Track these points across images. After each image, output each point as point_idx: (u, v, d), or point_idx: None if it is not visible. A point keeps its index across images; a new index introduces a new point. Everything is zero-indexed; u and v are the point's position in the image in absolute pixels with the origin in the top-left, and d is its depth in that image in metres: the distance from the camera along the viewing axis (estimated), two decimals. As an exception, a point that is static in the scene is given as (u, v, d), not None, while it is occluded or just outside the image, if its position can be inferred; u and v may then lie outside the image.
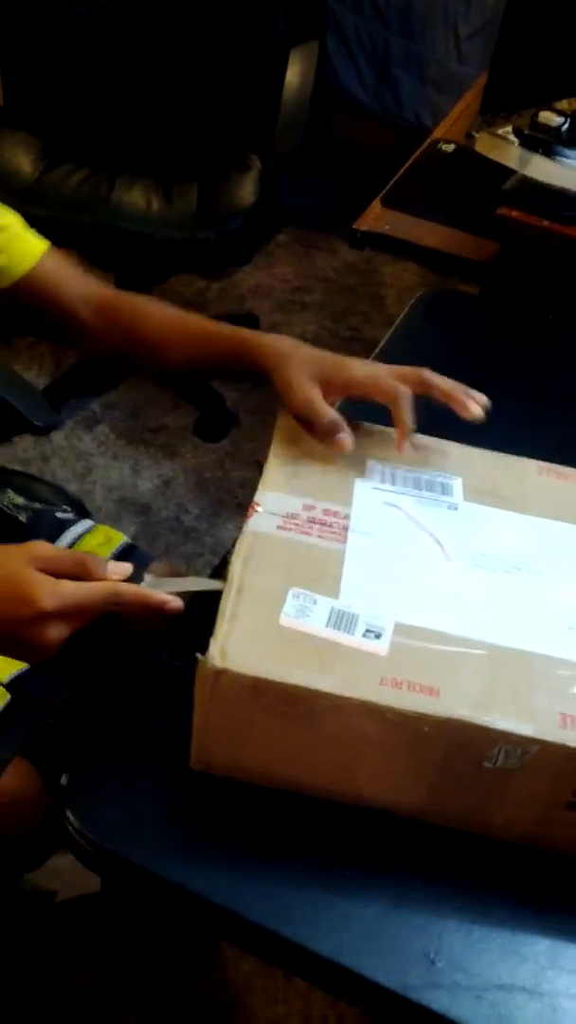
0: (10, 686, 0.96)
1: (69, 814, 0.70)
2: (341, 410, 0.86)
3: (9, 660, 0.98)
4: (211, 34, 1.92)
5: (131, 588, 0.71)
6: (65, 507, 1.15)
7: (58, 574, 0.70)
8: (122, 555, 1.06)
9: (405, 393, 0.85)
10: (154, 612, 0.72)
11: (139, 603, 0.71)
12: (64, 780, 0.73)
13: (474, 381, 1.13)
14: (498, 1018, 0.65)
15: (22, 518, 1.09)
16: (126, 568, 0.72)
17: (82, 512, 1.18)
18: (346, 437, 0.83)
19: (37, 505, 1.12)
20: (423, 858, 0.72)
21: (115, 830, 0.71)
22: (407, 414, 0.85)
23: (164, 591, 0.72)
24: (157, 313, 0.97)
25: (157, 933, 1.28)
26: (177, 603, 0.72)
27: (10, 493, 1.13)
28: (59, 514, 1.11)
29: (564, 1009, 0.66)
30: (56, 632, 0.69)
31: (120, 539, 1.08)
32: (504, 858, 0.72)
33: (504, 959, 0.68)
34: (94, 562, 0.71)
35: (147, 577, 0.73)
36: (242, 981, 1.27)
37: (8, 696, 0.95)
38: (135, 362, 1.02)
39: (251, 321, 2.26)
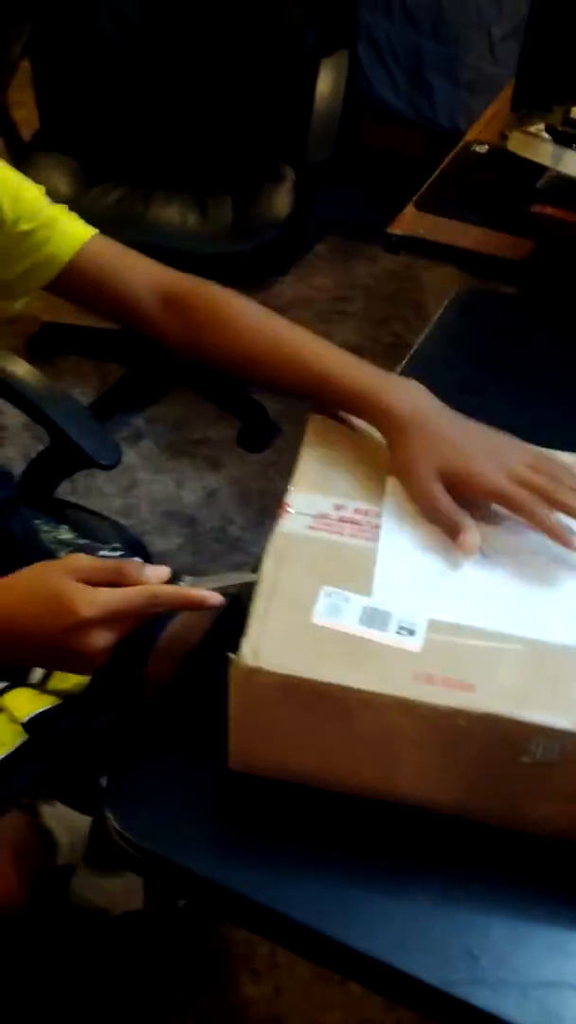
0: (29, 725, 0.95)
1: (110, 815, 0.71)
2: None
3: (33, 697, 0.98)
4: (241, 50, 1.94)
5: (170, 588, 0.72)
6: (116, 544, 1.14)
7: (96, 583, 0.71)
8: None
9: (532, 502, 0.77)
10: (196, 608, 0.72)
11: (180, 601, 0.72)
12: (103, 782, 0.74)
13: (510, 379, 1.13)
14: (545, 1015, 0.65)
15: (61, 554, 1.07)
16: (164, 572, 0.73)
17: (137, 550, 1.17)
18: (470, 538, 0.75)
19: (82, 541, 1.12)
20: (464, 855, 0.71)
21: (154, 831, 0.72)
22: (545, 520, 0.76)
23: (203, 588, 0.72)
24: (250, 321, 0.88)
25: (211, 939, 1.29)
26: (217, 597, 0.72)
27: (62, 528, 1.11)
28: (103, 552, 1.10)
29: (612, 1006, 0.65)
30: (101, 640, 0.70)
31: None
32: (547, 854, 0.71)
33: (550, 956, 0.67)
34: (131, 567, 0.72)
35: (185, 578, 0.74)
36: (298, 986, 1.27)
37: (22, 738, 0.94)
38: (215, 368, 0.91)
39: (292, 331, 2.27)
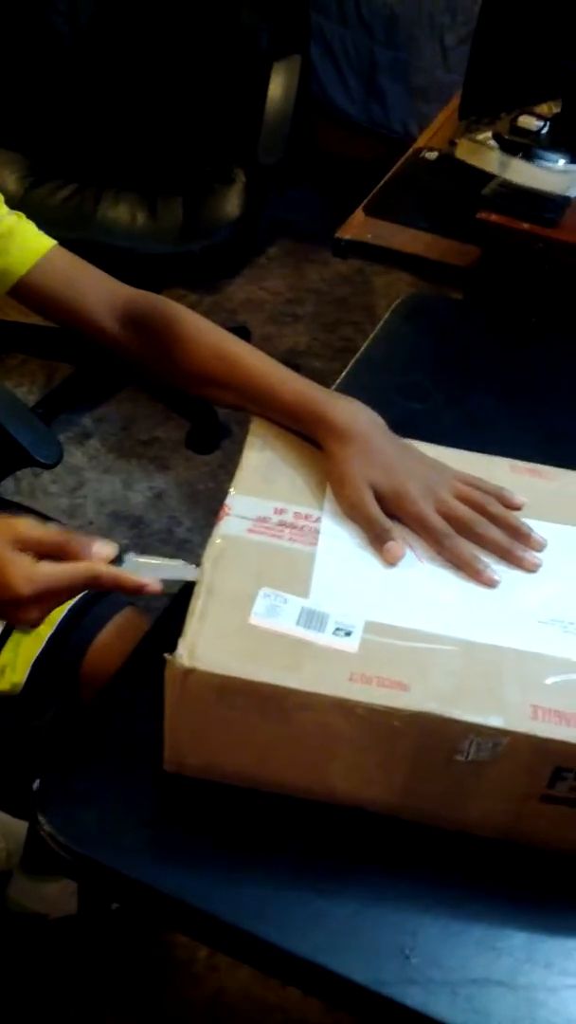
0: None
1: (42, 819, 0.70)
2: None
3: None
4: (194, 50, 1.93)
5: (109, 570, 0.71)
6: None
7: (40, 554, 0.70)
8: (85, 604, 1.02)
9: (445, 536, 0.78)
10: (133, 593, 0.72)
11: (116, 584, 0.72)
12: (36, 785, 0.73)
13: (456, 384, 1.15)
14: (474, 1013, 0.65)
15: None
16: (110, 550, 0.72)
17: None
18: (395, 547, 0.77)
19: None
20: (399, 855, 0.72)
21: (89, 834, 0.71)
22: (454, 554, 0.78)
23: (143, 574, 0.72)
24: (199, 339, 0.90)
25: (149, 943, 1.28)
26: (155, 586, 0.72)
27: None
28: None
29: (540, 1002, 0.66)
30: (32, 614, 0.71)
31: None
32: (479, 853, 0.72)
33: (480, 954, 0.68)
34: (77, 543, 0.71)
35: (127, 558, 0.73)
36: (238, 989, 1.27)
37: None
38: (174, 386, 0.94)
39: (243, 334, 2.27)
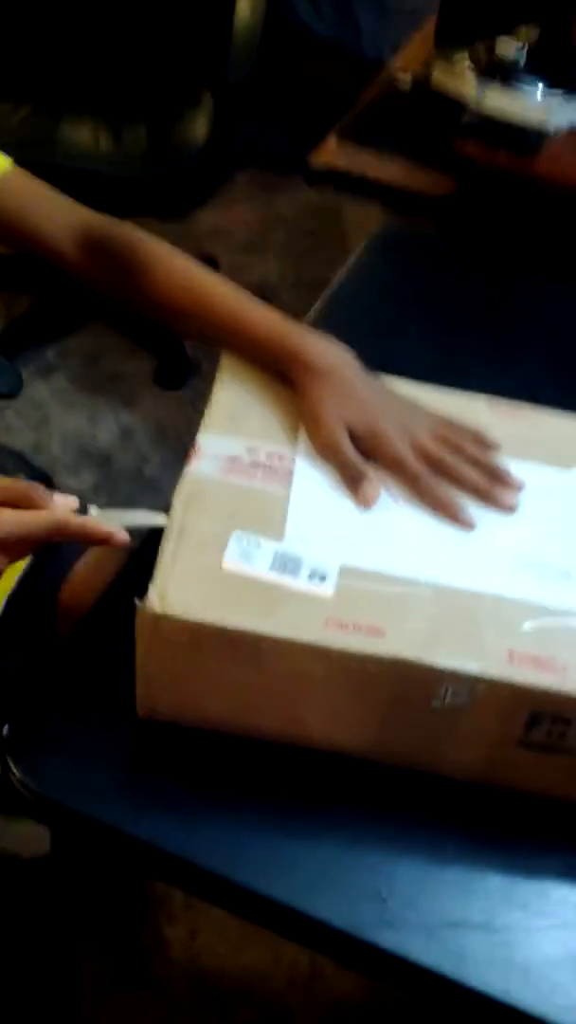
0: None
1: (11, 764, 0.69)
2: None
3: None
4: (159, -36, 1.85)
5: (77, 519, 0.69)
6: (21, 476, 1.10)
7: (1, 503, 0.67)
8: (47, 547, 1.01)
9: (422, 476, 0.77)
10: (100, 544, 0.70)
11: (85, 535, 0.69)
12: (6, 731, 0.71)
13: (430, 320, 1.12)
14: (450, 955, 0.65)
15: None
16: (72, 501, 0.70)
17: (45, 482, 1.15)
18: (370, 489, 0.75)
19: None
20: (375, 798, 0.71)
21: (60, 779, 0.70)
22: (433, 495, 0.76)
23: (111, 524, 0.69)
24: (164, 266, 0.86)
25: (124, 882, 1.29)
26: (123, 536, 0.69)
27: None
28: None
29: (517, 943, 0.66)
30: None
31: None
32: (456, 796, 0.72)
33: (456, 896, 0.68)
34: (39, 492, 0.69)
35: (92, 509, 0.71)
36: (214, 927, 1.28)
37: None
38: (138, 314, 0.90)
39: (210, 264, 2.21)
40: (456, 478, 0.78)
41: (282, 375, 0.82)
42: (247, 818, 0.70)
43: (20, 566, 0.99)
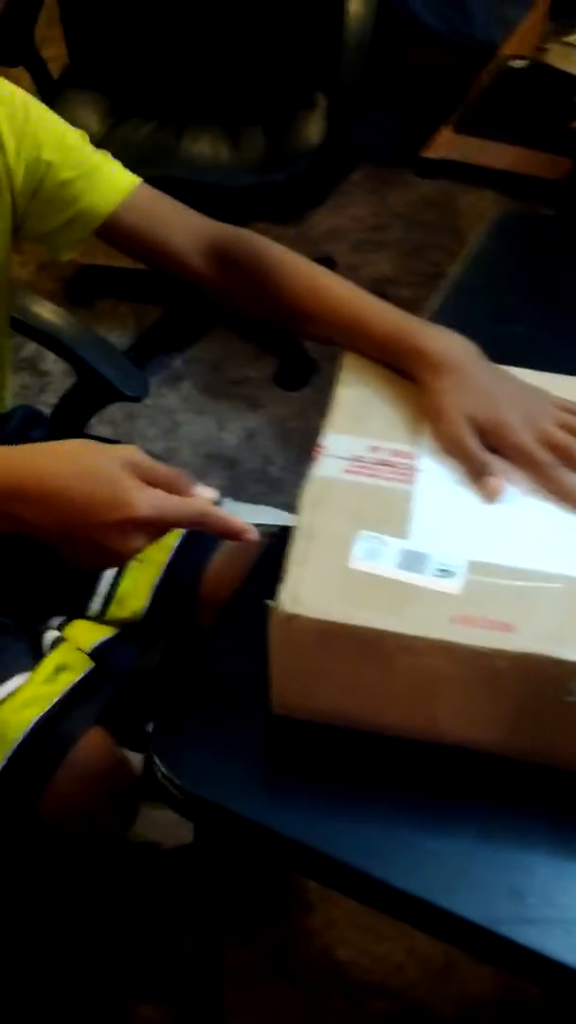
0: (93, 654, 0.98)
1: (157, 761, 0.72)
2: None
3: (93, 628, 1.00)
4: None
5: (218, 511, 0.71)
6: None
7: (151, 484, 0.70)
8: (188, 537, 1.04)
9: (548, 466, 0.76)
10: (235, 538, 0.72)
11: (223, 527, 0.71)
12: (150, 728, 0.74)
13: (552, 305, 1.10)
14: (591, 951, 0.65)
15: None
16: (212, 493, 0.73)
17: None
18: (495, 482, 0.74)
19: None
20: (509, 793, 0.71)
21: (202, 775, 0.72)
22: (559, 485, 0.75)
23: (243, 519, 0.72)
24: (289, 272, 0.88)
25: (264, 875, 1.32)
26: (254, 533, 0.71)
27: None
28: None
29: None
30: (140, 542, 0.69)
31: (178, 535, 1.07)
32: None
33: (596, 892, 0.67)
34: (185, 479, 0.71)
35: (226, 502, 0.74)
36: (348, 919, 1.30)
37: (91, 664, 0.97)
38: (264, 321, 0.93)
39: (328, 264, 2.22)
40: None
41: (405, 372, 0.83)
42: (382, 813, 0.71)
43: (165, 557, 1.03)
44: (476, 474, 0.76)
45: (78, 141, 0.93)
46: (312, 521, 0.71)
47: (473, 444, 0.77)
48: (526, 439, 0.77)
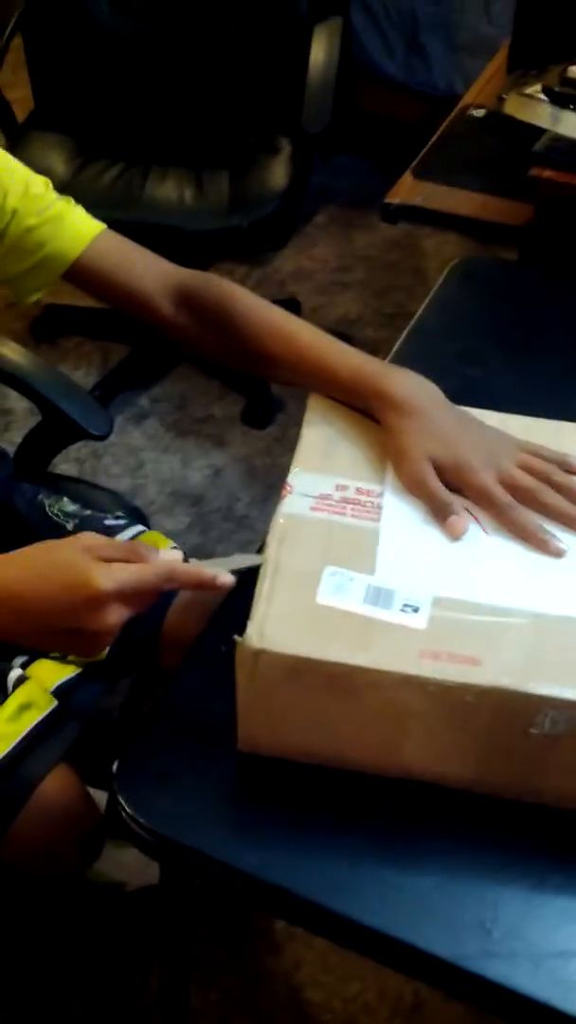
0: (57, 693, 0.97)
1: (121, 800, 0.72)
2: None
3: (56, 667, 1.00)
4: (234, 19, 1.91)
5: (185, 567, 0.72)
6: (119, 513, 1.16)
7: (110, 560, 0.70)
8: None
9: (508, 508, 0.78)
10: (208, 589, 0.72)
11: (194, 580, 0.72)
12: (115, 767, 0.74)
13: (513, 347, 1.12)
14: (558, 984, 0.65)
15: (69, 526, 1.09)
16: (176, 555, 0.74)
17: (139, 518, 1.19)
18: (459, 521, 0.76)
19: (87, 512, 1.13)
20: (476, 828, 0.72)
21: (167, 814, 0.72)
22: (519, 525, 0.77)
23: (214, 569, 0.72)
24: (255, 317, 0.90)
25: (230, 914, 1.30)
26: (229, 578, 0.72)
27: (64, 501, 1.13)
28: (108, 521, 1.11)
29: (626, 974, 0.65)
30: (114, 616, 0.69)
31: (167, 545, 1.08)
32: (558, 824, 0.72)
33: (562, 926, 0.68)
34: (144, 548, 0.72)
35: (193, 561, 0.75)
36: (317, 959, 1.28)
37: (55, 703, 0.96)
38: (230, 366, 0.95)
39: (293, 306, 2.25)
40: (543, 506, 0.78)
41: (368, 412, 0.84)
42: (349, 850, 0.71)
43: None
44: (439, 513, 0.77)
45: (42, 188, 0.94)
46: (279, 558, 0.72)
47: (435, 484, 0.78)
48: (487, 480, 0.79)
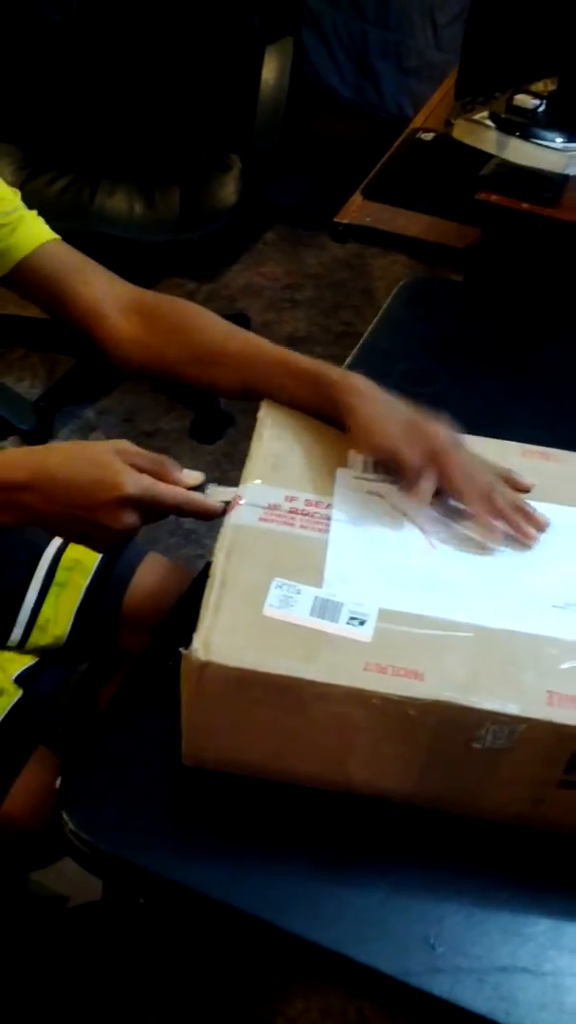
0: (19, 681, 0.98)
1: (66, 816, 0.70)
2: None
3: (15, 657, 1.01)
4: (186, 35, 1.92)
5: (197, 498, 0.78)
6: None
7: (139, 469, 0.75)
8: (109, 557, 1.07)
9: (495, 488, 0.80)
10: (212, 517, 0.79)
11: (202, 511, 0.78)
12: (58, 783, 0.73)
13: (459, 367, 1.14)
14: (501, 1000, 0.65)
15: None
16: (197, 476, 0.80)
17: None
18: (428, 485, 0.78)
19: None
20: (421, 844, 0.72)
21: (108, 829, 0.71)
22: (500, 507, 0.79)
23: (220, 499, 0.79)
24: (216, 320, 0.91)
25: (170, 933, 1.28)
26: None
27: None
28: None
29: (567, 987, 0.66)
30: (130, 518, 0.75)
31: None
32: (502, 840, 0.72)
33: (505, 941, 0.68)
34: (170, 464, 0.78)
35: (209, 487, 0.81)
36: (260, 977, 1.27)
37: (20, 692, 0.97)
38: (176, 378, 0.94)
39: (242, 320, 2.26)
40: (513, 482, 0.81)
41: (325, 404, 0.85)
42: (294, 865, 0.70)
43: (85, 580, 1.04)
44: (411, 474, 0.79)
45: (11, 196, 0.95)
46: (226, 570, 0.72)
47: (408, 448, 0.79)
48: (465, 458, 0.80)
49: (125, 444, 0.78)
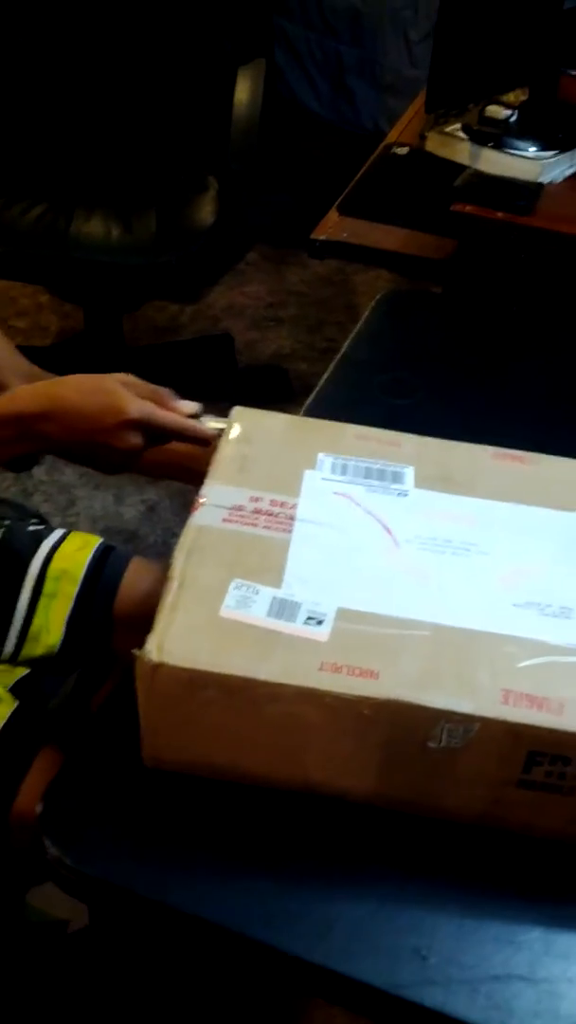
0: (15, 691, 0.97)
1: (48, 840, 0.68)
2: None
3: (7, 670, 1.00)
4: (158, 60, 1.93)
5: (194, 425, 0.87)
6: (33, 519, 1.15)
7: (140, 396, 0.85)
8: (100, 557, 1.05)
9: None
10: (208, 442, 0.87)
11: (198, 434, 0.87)
12: (39, 808, 0.71)
13: (437, 378, 1.13)
14: (495, 1009, 0.63)
15: None
16: (194, 406, 0.89)
17: (45, 524, 1.18)
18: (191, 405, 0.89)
19: (7, 522, 1.12)
20: (410, 854, 0.69)
21: (90, 852, 0.68)
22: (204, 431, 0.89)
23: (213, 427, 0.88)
24: None
25: (161, 954, 1.25)
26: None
27: None
28: (30, 527, 1.11)
29: (562, 994, 0.63)
30: (135, 439, 0.84)
31: (96, 542, 1.08)
32: (491, 848, 0.69)
33: (498, 950, 0.65)
34: (167, 393, 0.88)
35: (205, 418, 0.89)
36: (254, 1000, 1.24)
37: (16, 702, 0.96)
38: None
39: (226, 341, 2.26)
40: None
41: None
42: (281, 879, 0.68)
43: (74, 588, 1.03)
44: (188, 428, 0.88)
45: None
46: (185, 571, 0.70)
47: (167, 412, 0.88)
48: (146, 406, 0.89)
49: (127, 376, 0.86)
